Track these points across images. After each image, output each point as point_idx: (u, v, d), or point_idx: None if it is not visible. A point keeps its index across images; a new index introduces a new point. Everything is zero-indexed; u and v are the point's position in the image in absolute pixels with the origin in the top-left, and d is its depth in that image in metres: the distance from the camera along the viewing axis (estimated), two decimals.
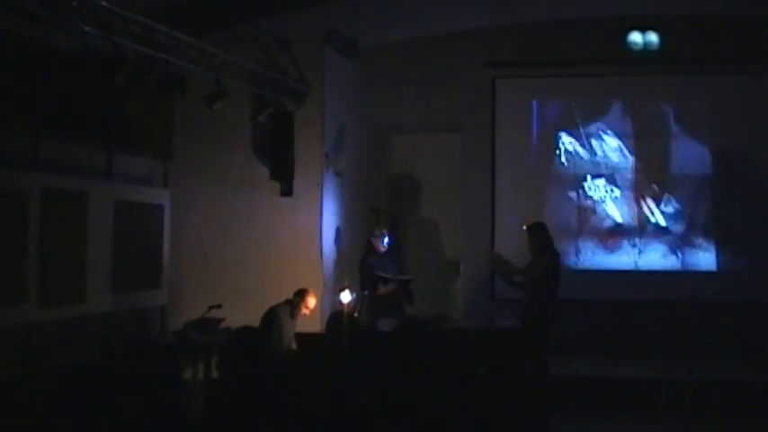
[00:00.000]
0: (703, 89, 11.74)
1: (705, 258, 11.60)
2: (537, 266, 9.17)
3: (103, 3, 7.15)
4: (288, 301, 8.90)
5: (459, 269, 12.07)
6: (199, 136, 10.54)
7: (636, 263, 11.73)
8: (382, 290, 10.15)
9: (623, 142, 11.82)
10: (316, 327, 9.60)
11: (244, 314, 8.53)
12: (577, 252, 11.76)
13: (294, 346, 8.69)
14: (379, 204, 12.20)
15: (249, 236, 10.51)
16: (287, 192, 10.26)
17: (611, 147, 11.85)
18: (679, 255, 11.65)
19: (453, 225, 12.16)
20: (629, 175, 11.81)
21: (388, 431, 6.20)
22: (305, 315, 8.95)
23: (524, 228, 9.52)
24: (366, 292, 9.96)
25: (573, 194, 11.87)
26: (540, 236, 9.33)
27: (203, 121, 10.02)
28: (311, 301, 8.94)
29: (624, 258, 11.76)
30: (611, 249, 11.79)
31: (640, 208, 11.77)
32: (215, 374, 8.72)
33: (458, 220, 12.10)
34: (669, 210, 11.71)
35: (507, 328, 9.43)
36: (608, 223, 11.83)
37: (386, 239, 10.34)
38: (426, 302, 11.82)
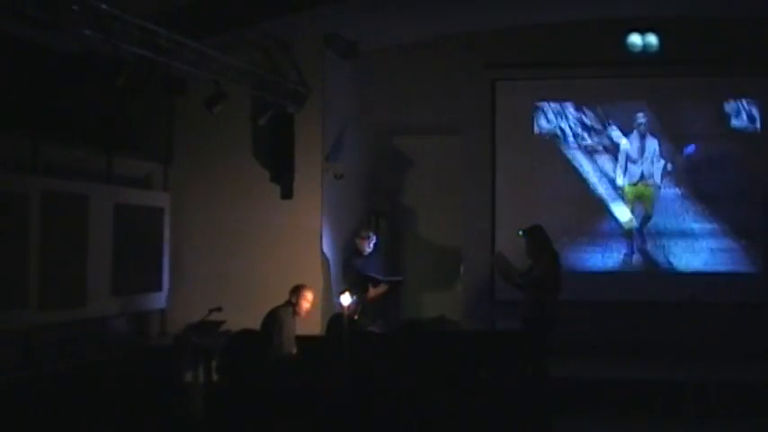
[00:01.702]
0: (703, 90, 11.74)
1: (705, 259, 11.60)
2: (538, 269, 9.14)
3: (104, 6, 7.16)
4: (288, 302, 8.91)
5: (459, 270, 12.07)
6: (199, 139, 10.55)
7: (636, 264, 11.73)
8: (372, 292, 10.12)
9: (623, 143, 11.83)
10: (316, 329, 9.61)
11: (244, 317, 8.51)
12: (577, 253, 11.76)
13: (295, 348, 8.69)
14: (380, 206, 12.21)
15: (250, 239, 10.51)
16: (287, 194, 10.27)
17: (610, 148, 11.86)
18: (679, 256, 11.65)
19: (453, 226, 12.15)
20: (629, 176, 11.81)
21: None
22: (308, 310, 8.91)
23: (520, 233, 9.35)
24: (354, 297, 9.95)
25: (573, 195, 11.86)
26: (539, 238, 9.28)
27: (203, 124, 10.03)
28: (309, 295, 8.91)
29: (624, 259, 11.76)
30: (611, 250, 11.79)
31: (640, 208, 11.77)
32: (215, 378, 8.72)
33: (458, 222, 12.10)
34: (669, 210, 11.71)
35: (508, 330, 9.43)
36: (608, 224, 11.83)
37: (373, 241, 10.34)
38: (426, 304, 11.85)
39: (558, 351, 9.02)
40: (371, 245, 10.31)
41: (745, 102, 11.62)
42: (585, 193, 11.85)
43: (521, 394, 7.89)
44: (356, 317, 9.02)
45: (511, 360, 8.49)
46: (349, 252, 10.56)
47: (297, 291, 8.87)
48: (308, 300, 8.89)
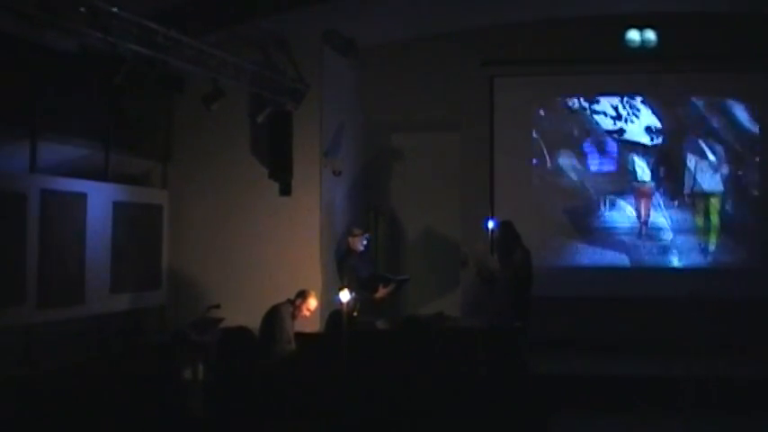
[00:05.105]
0: (702, 86, 11.75)
1: (704, 255, 11.62)
2: (514, 262, 9.30)
3: (102, 4, 7.16)
4: (289, 301, 8.91)
5: (458, 267, 12.06)
6: (197, 136, 10.55)
7: (635, 260, 11.73)
8: (381, 291, 10.13)
9: (621, 140, 11.83)
10: (315, 326, 9.61)
11: (243, 314, 8.54)
12: (576, 249, 11.77)
13: (294, 346, 8.69)
14: (378, 203, 12.21)
15: (248, 235, 10.51)
16: (285, 191, 10.28)
17: (609, 144, 11.87)
18: (677, 253, 11.66)
19: (452, 224, 12.15)
20: (628, 173, 11.82)
21: (388, 429, 6.21)
22: (305, 317, 8.94)
23: (490, 224, 9.82)
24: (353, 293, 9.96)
25: (572, 192, 11.87)
26: (510, 233, 9.45)
27: (202, 121, 10.03)
28: (312, 303, 8.92)
29: (623, 256, 11.76)
30: (610, 247, 11.79)
31: (639, 205, 11.78)
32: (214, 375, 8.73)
33: (457, 219, 12.10)
34: (668, 207, 11.72)
35: (507, 327, 9.43)
36: (607, 220, 11.83)
37: (366, 239, 10.35)
38: (425, 301, 11.85)
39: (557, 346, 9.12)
40: (364, 243, 10.32)
41: (743, 98, 11.63)
42: (584, 190, 11.85)
43: (518, 392, 7.89)
44: (355, 314, 9.04)
45: (510, 357, 8.50)
46: (342, 251, 10.55)
47: (303, 295, 8.86)
48: (309, 308, 8.89)
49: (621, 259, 11.76)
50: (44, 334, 8.40)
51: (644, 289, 11.43)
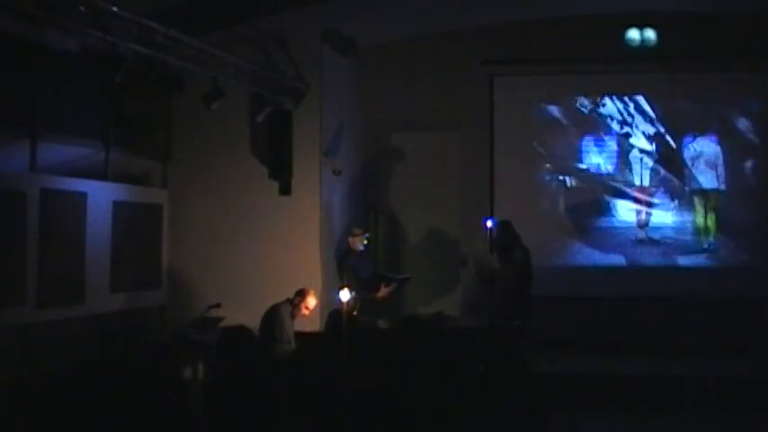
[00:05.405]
0: (702, 86, 11.75)
1: (704, 255, 11.61)
2: (515, 260, 9.32)
3: (102, 3, 7.15)
4: (288, 300, 8.91)
5: (458, 266, 12.05)
6: (197, 136, 10.55)
7: (635, 260, 11.73)
8: (384, 291, 10.13)
9: (621, 139, 11.83)
10: (315, 326, 9.61)
11: (243, 313, 8.53)
12: (575, 249, 11.76)
13: (293, 346, 8.69)
14: (378, 202, 12.20)
15: (248, 235, 10.51)
16: (285, 190, 10.28)
17: (608, 143, 11.87)
18: (678, 252, 11.65)
19: (452, 223, 12.15)
20: (626, 172, 11.82)
21: (386, 428, 6.21)
22: (304, 316, 8.93)
23: (489, 223, 9.84)
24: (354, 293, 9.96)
25: (572, 192, 11.86)
26: (509, 232, 9.48)
27: (202, 120, 10.03)
28: (311, 302, 8.91)
29: (623, 256, 11.76)
30: (610, 247, 11.79)
31: (639, 204, 11.78)
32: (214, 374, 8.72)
33: (457, 219, 12.10)
34: (668, 207, 11.72)
35: (507, 326, 9.44)
36: (607, 220, 11.83)
37: (366, 239, 10.35)
38: (425, 300, 11.85)
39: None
40: (364, 243, 10.32)
41: (743, 97, 11.63)
42: (584, 189, 11.85)
43: (518, 391, 7.90)
44: (355, 313, 9.04)
45: (510, 356, 8.50)
46: (342, 250, 10.54)
47: (302, 294, 8.85)
48: (308, 307, 8.87)
49: (621, 259, 11.76)
50: (44, 334, 8.39)
51: (644, 289, 11.43)
